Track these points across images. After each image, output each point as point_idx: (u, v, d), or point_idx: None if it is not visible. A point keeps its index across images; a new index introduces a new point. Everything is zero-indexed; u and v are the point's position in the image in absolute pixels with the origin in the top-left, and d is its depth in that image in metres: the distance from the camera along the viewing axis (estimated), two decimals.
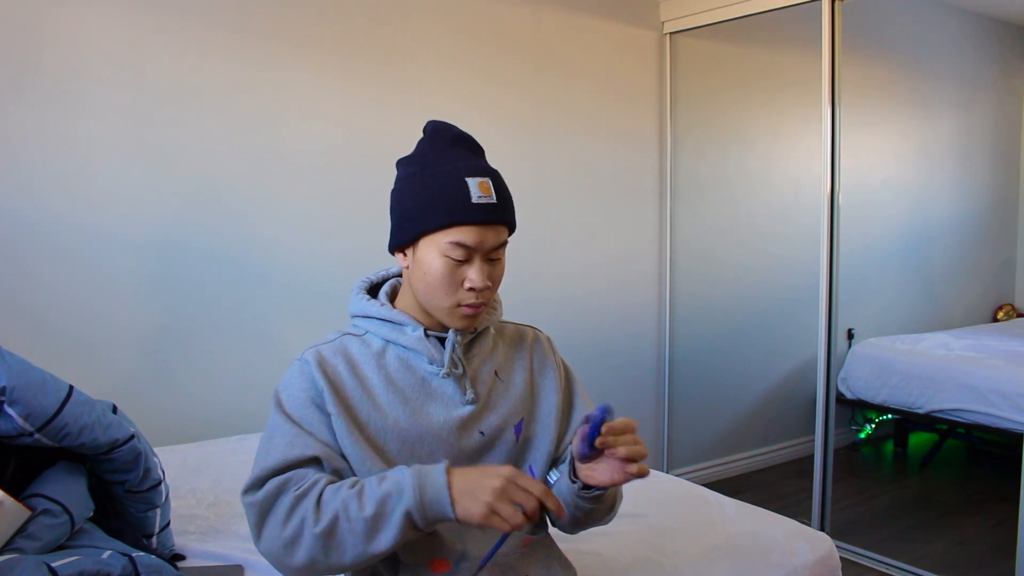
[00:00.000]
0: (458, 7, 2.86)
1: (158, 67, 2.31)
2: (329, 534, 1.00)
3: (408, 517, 0.99)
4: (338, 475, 1.08)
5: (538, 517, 1.00)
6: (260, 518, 1.04)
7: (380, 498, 1.00)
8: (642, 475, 1.05)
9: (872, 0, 3.63)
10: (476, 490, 0.99)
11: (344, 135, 2.64)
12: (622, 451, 1.03)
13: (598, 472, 1.08)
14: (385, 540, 1.00)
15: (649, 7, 3.38)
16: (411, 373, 1.16)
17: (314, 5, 2.56)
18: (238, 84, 2.44)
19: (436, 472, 1.01)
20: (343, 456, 1.10)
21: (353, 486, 1.03)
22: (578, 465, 1.11)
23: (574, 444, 1.08)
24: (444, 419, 1.14)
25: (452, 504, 0.98)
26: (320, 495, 1.02)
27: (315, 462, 1.07)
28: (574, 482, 1.13)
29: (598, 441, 1.03)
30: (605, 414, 1.03)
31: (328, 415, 1.10)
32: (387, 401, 1.13)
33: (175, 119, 2.35)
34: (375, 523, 1.00)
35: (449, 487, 0.99)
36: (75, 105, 2.20)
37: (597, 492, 1.12)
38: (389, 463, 1.10)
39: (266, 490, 1.04)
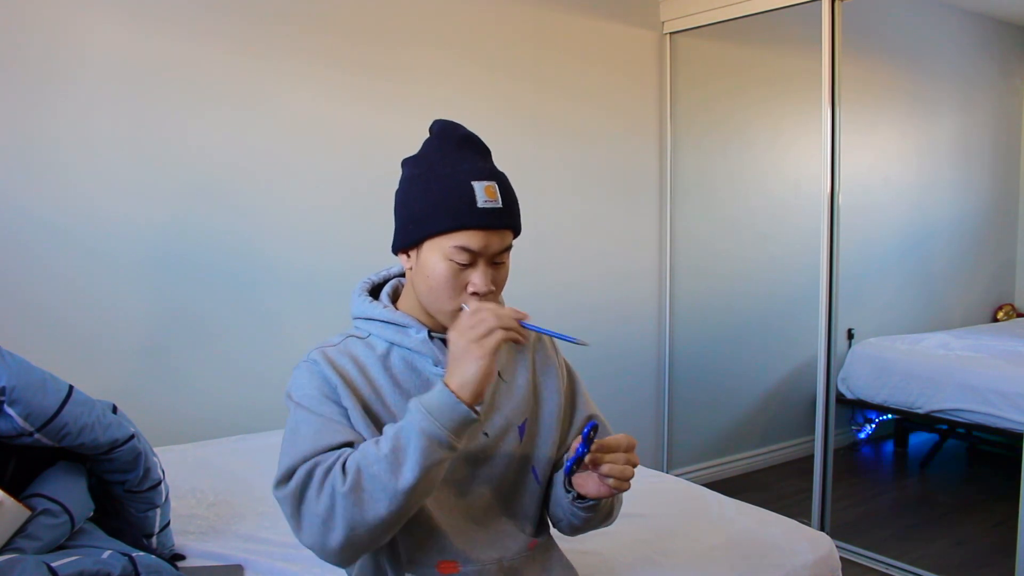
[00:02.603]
0: (457, 7, 2.86)
1: (157, 59, 2.31)
2: (356, 488, 0.98)
3: (424, 435, 0.98)
4: None
5: (511, 311, 1.01)
6: (295, 507, 1.02)
7: (394, 434, 1.00)
8: (619, 490, 1.07)
9: (872, 0, 3.63)
10: (454, 360, 1.00)
11: (352, 128, 2.64)
12: (605, 468, 1.06)
13: (587, 482, 1.11)
14: (410, 470, 0.98)
15: (649, 7, 3.38)
16: (416, 375, 1.15)
17: (317, 5, 2.56)
18: (241, 74, 2.44)
19: (436, 387, 1.01)
20: None
21: (372, 440, 1.03)
22: (573, 475, 1.13)
23: (565, 456, 1.10)
24: None
25: (456, 394, 0.98)
26: (345, 461, 1.01)
27: (347, 447, 1.05)
28: (568, 492, 1.15)
29: (587, 457, 1.06)
30: (589, 431, 1.06)
31: (345, 409, 1.09)
32: (395, 403, 1.13)
33: (177, 112, 2.34)
34: (395, 456, 0.98)
35: (447, 386, 0.99)
36: (78, 100, 2.20)
37: (591, 502, 1.14)
38: None
39: (296, 478, 1.02)
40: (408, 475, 0.98)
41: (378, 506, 0.98)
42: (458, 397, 0.98)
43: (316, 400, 1.09)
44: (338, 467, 1.00)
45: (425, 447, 0.98)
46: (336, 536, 0.99)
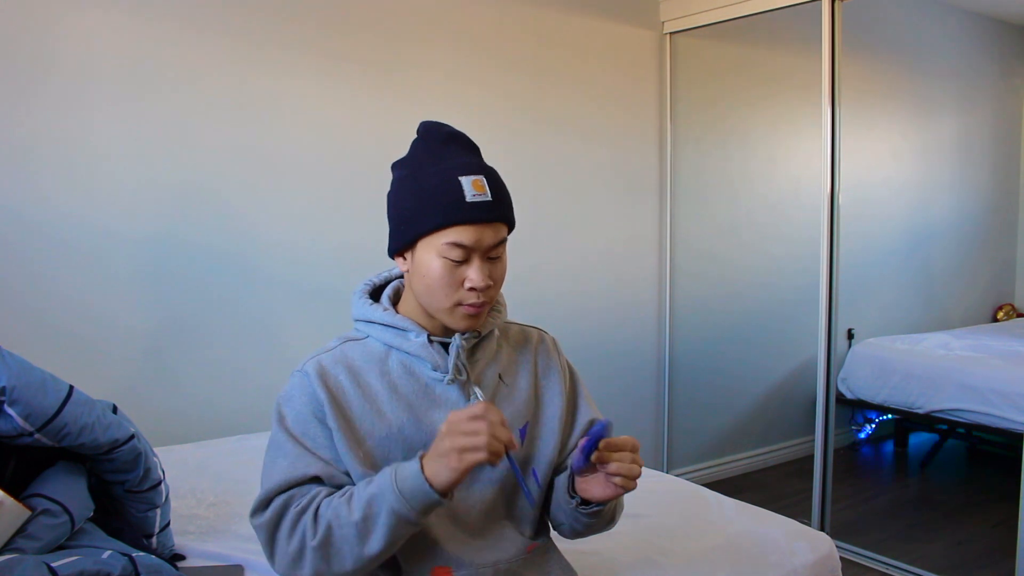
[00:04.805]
0: (457, 7, 2.86)
1: (161, 68, 2.31)
2: (326, 544, 1.03)
3: (394, 514, 1.01)
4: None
5: (506, 437, 1.00)
6: (269, 537, 1.06)
7: (366, 501, 1.02)
8: (626, 488, 1.07)
9: (872, 0, 3.63)
10: (436, 454, 1.01)
11: (345, 132, 2.64)
12: (613, 466, 1.05)
13: (592, 486, 1.10)
14: (377, 541, 1.02)
15: (649, 7, 3.38)
16: (414, 379, 1.15)
17: (314, 8, 2.56)
18: (240, 84, 2.44)
19: (411, 463, 1.02)
20: (346, 472, 1.10)
21: (344, 494, 1.05)
22: (576, 479, 1.12)
23: (573, 456, 1.09)
24: None
25: (428, 483, 1.00)
26: (317, 508, 1.04)
27: (316, 480, 1.08)
28: (572, 497, 1.14)
29: (594, 456, 1.05)
30: (604, 430, 1.05)
31: (330, 429, 1.10)
32: (391, 408, 1.12)
33: (176, 119, 2.35)
34: (365, 526, 1.02)
35: (422, 470, 1.01)
36: (77, 106, 2.20)
37: (595, 508, 1.13)
38: None
39: (271, 510, 1.06)
40: (375, 544, 1.03)
41: (344, 563, 1.04)
42: (430, 485, 1.00)
43: (303, 420, 1.11)
44: (310, 514, 1.04)
45: (393, 524, 1.02)
46: (305, 574, 1.05)
